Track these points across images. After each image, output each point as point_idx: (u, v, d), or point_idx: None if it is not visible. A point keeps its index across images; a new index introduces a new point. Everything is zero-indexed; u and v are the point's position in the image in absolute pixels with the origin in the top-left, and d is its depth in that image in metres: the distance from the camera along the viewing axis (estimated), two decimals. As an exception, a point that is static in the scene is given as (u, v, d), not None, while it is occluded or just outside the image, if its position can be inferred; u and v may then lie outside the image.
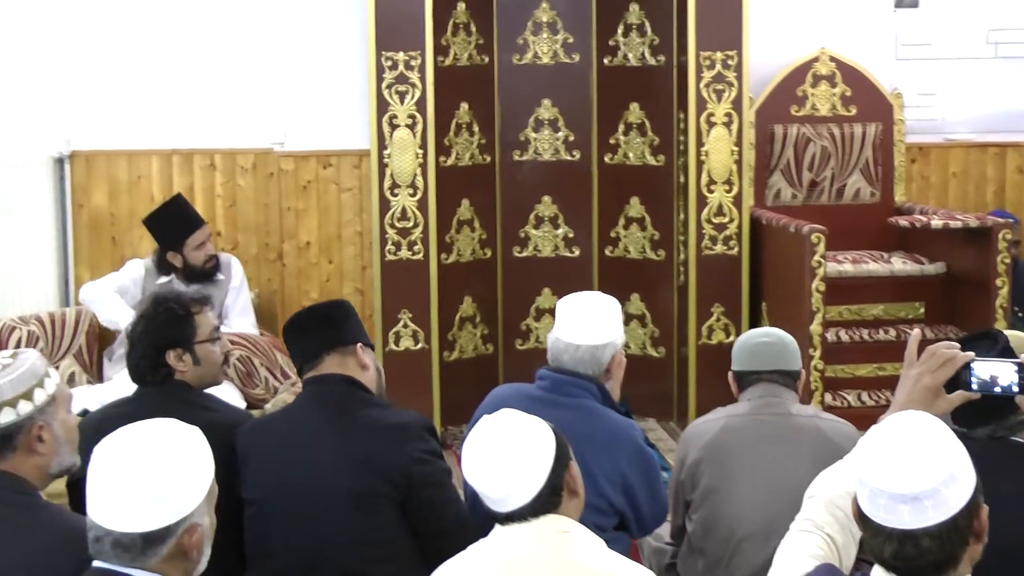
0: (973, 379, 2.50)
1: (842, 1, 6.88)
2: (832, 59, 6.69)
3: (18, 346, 5.87)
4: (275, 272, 6.72)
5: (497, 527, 2.62)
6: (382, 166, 6.07)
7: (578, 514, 2.67)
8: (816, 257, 5.72)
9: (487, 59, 6.58)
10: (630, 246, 6.69)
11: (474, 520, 3.15)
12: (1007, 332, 2.73)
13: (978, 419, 2.62)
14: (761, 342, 3.76)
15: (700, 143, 6.19)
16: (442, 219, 6.24)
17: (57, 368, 4.66)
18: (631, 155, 6.64)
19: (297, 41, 6.61)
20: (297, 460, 3.31)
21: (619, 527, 3.53)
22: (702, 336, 6.26)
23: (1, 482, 2.74)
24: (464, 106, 6.47)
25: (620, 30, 6.59)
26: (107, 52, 6.53)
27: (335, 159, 6.69)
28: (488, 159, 6.63)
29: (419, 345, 6.15)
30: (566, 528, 2.59)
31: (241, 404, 5.28)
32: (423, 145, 6.07)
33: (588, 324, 3.61)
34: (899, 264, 6.37)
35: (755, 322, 6.19)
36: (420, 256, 6.11)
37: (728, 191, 6.23)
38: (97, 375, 5.92)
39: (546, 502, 2.59)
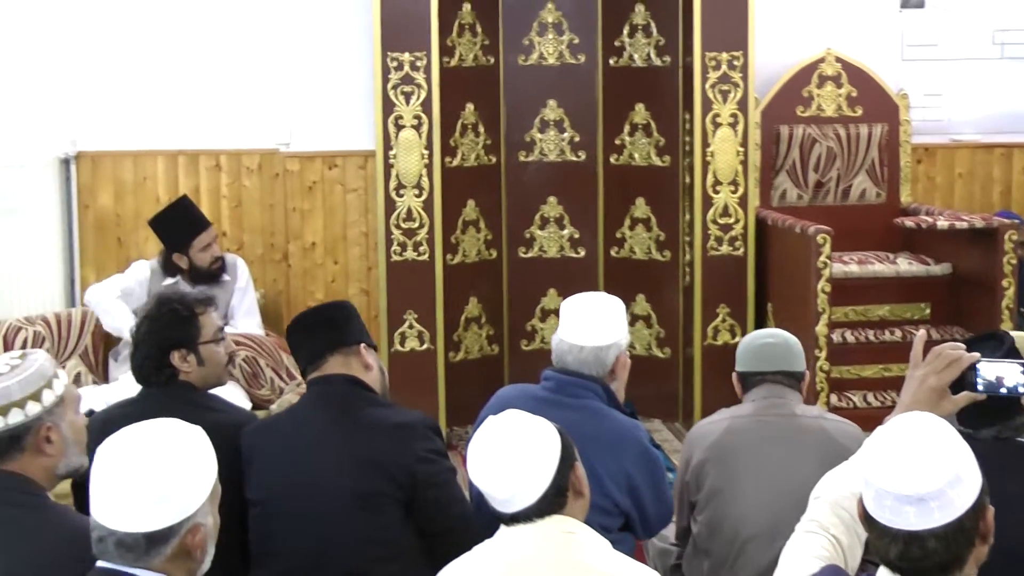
0: (979, 380, 2.50)
1: (848, 2, 6.88)
2: (838, 60, 6.69)
3: (24, 346, 5.86)
4: (280, 273, 6.72)
5: (502, 528, 2.62)
6: (388, 167, 6.07)
7: (583, 515, 2.67)
8: (822, 258, 5.71)
9: (493, 60, 6.58)
10: (636, 247, 6.69)
11: (479, 520, 3.15)
12: (1013, 333, 2.73)
13: (984, 420, 2.62)
14: (765, 343, 3.76)
15: (706, 144, 6.19)
16: (448, 220, 6.24)
17: (64, 368, 4.66)
18: (637, 156, 6.64)
19: (303, 42, 6.62)
20: (302, 460, 3.31)
21: (624, 528, 3.52)
22: (707, 337, 6.26)
23: (9, 483, 2.75)
24: (470, 107, 6.47)
25: (626, 31, 6.59)
26: (113, 53, 6.54)
27: (341, 160, 6.69)
28: (494, 160, 6.63)
29: (424, 346, 6.15)
30: (571, 529, 2.59)
31: (247, 405, 5.28)
32: (429, 146, 6.07)
33: (592, 325, 3.61)
34: (905, 265, 6.36)
35: (761, 323, 6.19)
36: (426, 257, 6.12)
37: (734, 192, 6.23)
38: (103, 376, 5.92)
39: (551, 503, 2.59)
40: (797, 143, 6.64)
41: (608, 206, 6.74)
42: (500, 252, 6.70)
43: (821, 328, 5.73)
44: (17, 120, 6.44)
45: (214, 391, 3.65)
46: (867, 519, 2.12)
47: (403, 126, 6.06)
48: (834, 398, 5.96)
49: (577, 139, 6.72)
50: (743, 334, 5.78)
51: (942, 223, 6.12)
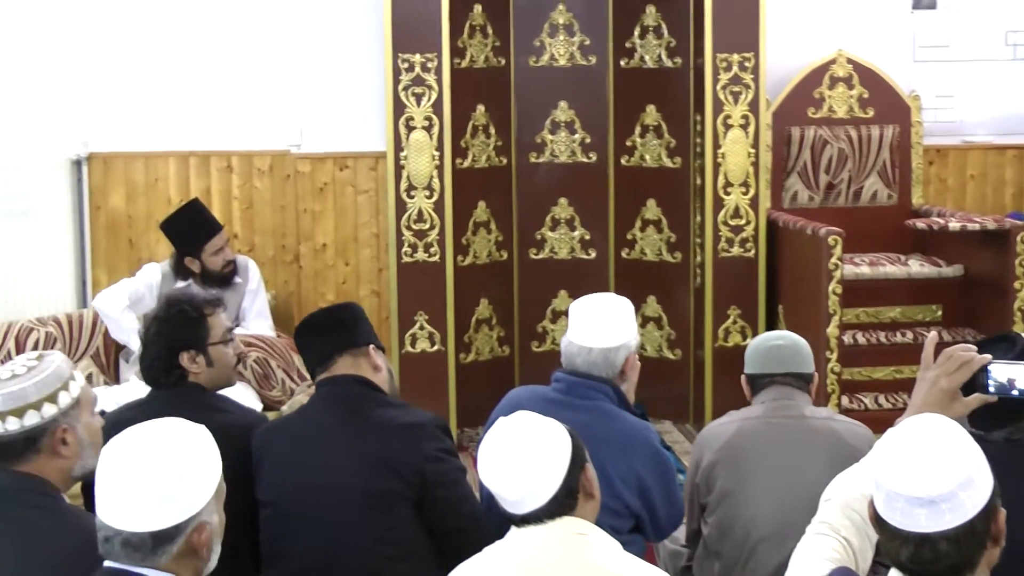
0: (990, 382, 2.50)
1: (859, 3, 6.86)
2: (849, 61, 6.68)
3: (36, 347, 5.88)
4: (291, 274, 6.73)
5: (513, 529, 2.62)
6: (399, 168, 6.07)
7: (594, 516, 2.67)
8: (833, 259, 5.70)
9: (504, 61, 6.58)
10: (646, 248, 6.68)
11: (490, 521, 3.15)
12: (1025, 335, 2.73)
13: (995, 422, 2.61)
14: (774, 345, 3.75)
15: (717, 145, 6.18)
16: (458, 221, 6.25)
17: (80, 370, 4.67)
18: (648, 157, 6.64)
19: (313, 43, 6.62)
20: (312, 461, 3.31)
21: (635, 530, 3.52)
22: (718, 338, 6.25)
23: (25, 484, 2.76)
24: (480, 108, 6.47)
25: (637, 32, 6.59)
26: (124, 54, 6.56)
27: (352, 161, 6.70)
28: (504, 161, 6.63)
29: (435, 347, 6.15)
30: (582, 530, 2.59)
31: (258, 406, 5.29)
32: (439, 147, 6.07)
33: (600, 327, 3.61)
34: (916, 266, 6.35)
35: (771, 324, 6.18)
36: (436, 258, 6.12)
37: (745, 193, 6.22)
38: (114, 376, 5.94)
39: (562, 504, 2.59)
40: (808, 145, 6.63)
41: (619, 207, 6.74)
42: (511, 253, 6.70)
43: (832, 330, 5.72)
44: (29, 121, 6.47)
45: (223, 392, 3.65)
46: (878, 521, 2.11)
47: (414, 127, 6.06)
48: (845, 400, 5.95)
49: (588, 140, 6.72)
50: (754, 336, 5.75)
51: (954, 225, 6.11)
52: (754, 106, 6.20)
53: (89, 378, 5.68)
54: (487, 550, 2.64)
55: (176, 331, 3.52)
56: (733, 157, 6.20)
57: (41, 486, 2.76)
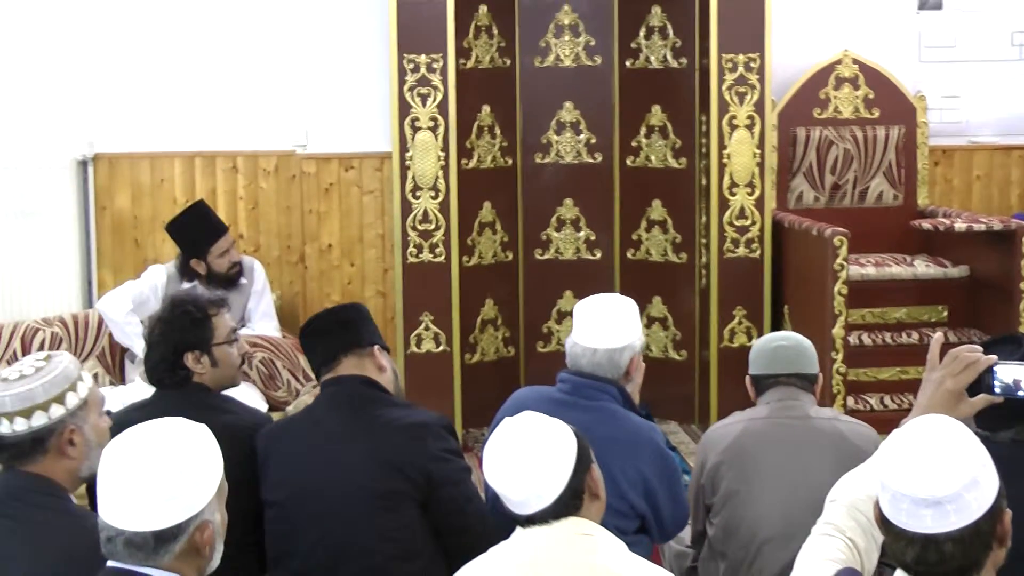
0: (996, 383, 2.50)
1: (865, 3, 6.86)
2: (855, 61, 6.68)
3: (42, 347, 5.89)
4: (297, 274, 6.73)
5: (518, 530, 2.62)
6: (404, 168, 6.07)
7: (599, 517, 2.67)
8: (838, 260, 5.70)
9: (509, 62, 6.58)
10: (652, 249, 6.68)
11: (495, 522, 3.15)
12: (1030, 336, 2.72)
13: (1002, 422, 2.61)
14: (778, 346, 3.75)
15: (722, 146, 6.18)
16: (464, 222, 6.25)
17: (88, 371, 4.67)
18: (653, 158, 6.63)
19: (319, 44, 6.63)
20: (317, 461, 3.31)
21: (640, 530, 3.52)
22: (724, 339, 6.25)
23: (32, 484, 2.77)
24: (486, 108, 6.47)
25: (642, 32, 6.59)
26: (130, 55, 6.56)
27: (357, 161, 6.70)
28: (510, 162, 6.63)
29: (440, 347, 6.15)
30: (588, 531, 2.59)
31: (263, 406, 5.29)
32: (445, 148, 6.07)
33: (605, 328, 3.60)
34: (922, 267, 6.34)
35: (777, 325, 6.18)
36: (442, 258, 6.12)
37: (750, 194, 6.22)
38: (119, 376, 5.94)
39: (567, 505, 2.59)
40: (814, 145, 6.63)
41: (624, 208, 6.73)
42: (516, 254, 6.70)
43: (838, 330, 5.72)
44: (34, 122, 6.48)
45: (228, 392, 3.66)
46: (883, 522, 2.11)
47: (419, 128, 6.06)
48: (851, 400, 5.94)
49: (593, 141, 6.72)
50: (759, 336, 5.74)
51: (960, 225, 6.10)
52: (759, 107, 6.19)
53: (95, 378, 5.66)
54: (492, 550, 2.64)
55: (180, 332, 3.53)
56: (738, 157, 6.19)
57: (48, 486, 2.77)
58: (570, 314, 3.73)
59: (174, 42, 6.58)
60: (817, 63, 6.69)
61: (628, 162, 6.69)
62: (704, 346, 6.43)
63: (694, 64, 6.44)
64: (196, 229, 5.82)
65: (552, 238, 6.76)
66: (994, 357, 2.51)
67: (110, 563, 2.29)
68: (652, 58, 6.59)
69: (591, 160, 6.73)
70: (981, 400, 2.51)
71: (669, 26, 6.52)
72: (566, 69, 6.69)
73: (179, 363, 3.52)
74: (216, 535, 2.33)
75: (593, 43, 6.68)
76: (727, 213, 6.22)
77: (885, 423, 3.22)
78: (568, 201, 6.74)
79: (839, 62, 6.68)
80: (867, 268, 6.24)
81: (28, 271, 6.40)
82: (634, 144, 6.66)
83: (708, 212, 6.28)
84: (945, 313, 6.38)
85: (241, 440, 3.39)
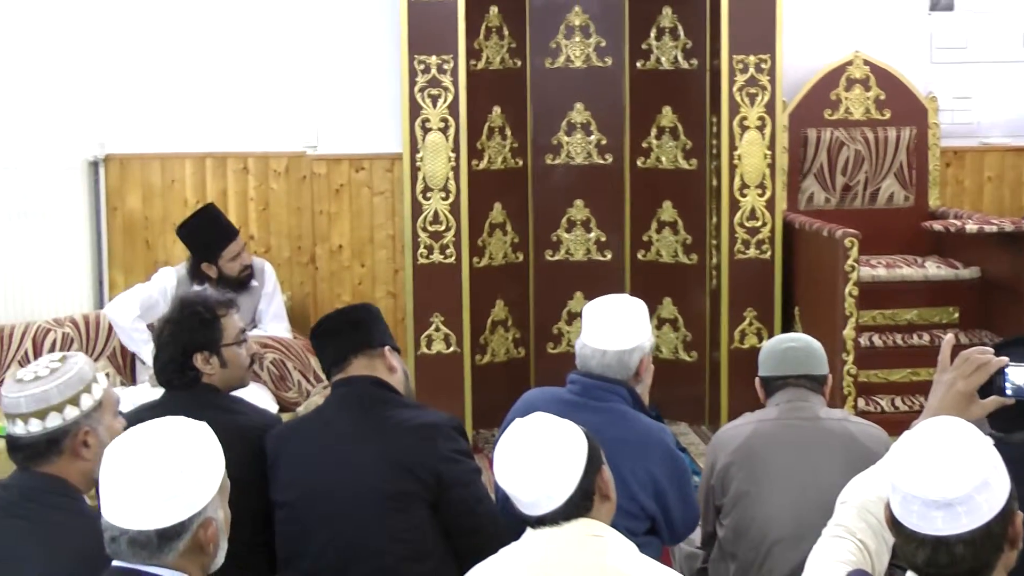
0: (1007, 384, 2.49)
1: (876, 4, 6.85)
2: (866, 62, 6.67)
3: (53, 348, 5.90)
4: (307, 275, 6.74)
5: (528, 531, 2.62)
6: (414, 170, 6.07)
7: (610, 518, 2.67)
8: (849, 261, 5.69)
9: (520, 63, 6.59)
10: (662, 250, 6.68)
11: (505, 522, 3.15)
12: (1042, 337, 2.72)
13: (1014, 424, 2.60)
14: (788, 347, 3.75)
15: (733, 147, 6.18)
16: (474, 223, 6.25)
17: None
18: (664, 159, 6.63)
19: (330, 45, 6.63)
20: (327, 461, 3.32)
21: (650, 532, 3.52)
22: (734, 340, 6.24)
23: (47, 485, 2.77)
24: (496, 110, 6.47)
25: (653, 33, 6.58)
26: (141, 56, 6.57)
27: (367, 163, 6.70)
28: (520, 163, 6.63)
29: (451, 349, 6.15)
30: (598, 532, 2.59)
31: (274, 407, 5.30)
32: (455, 149, 6.07)
33: (614, 329, 3.60)
34: (933, 269, 6.33)
35: (788, 326, 6.17)
36: (452, 260, 6.12)
37: (761, 195, 6.21)
38: (130, 377, 5.95)
39: (578, 506, 2.59)
40: (825, 146, 6.62)
41: (635, 209, 6.73)
42: (527, 255, 6.70)
43: (848, 332, 5.71)
44: (46, 123, 6.49)
45: (237, 393, 3.66)
46: (894, 524, 2.11)
47: (430, 129, 6.06)
48: (861, 402, 5.93)
49: (604, 142, 6.72)
50: (770, 337, 5.73)
51: (971, 227, 6.09)
52: (770, 108, 6.19)
53: (106, 378, 5.69)
54: (502, 551, 2.65)
55: (190, 333, 3.54)
56: (749, 159, 6.19)
57: (63, 487, 2.78)
58: (580, 315, 3.73)
59: (185, 43, 6.59)
60: (828, 64, 6.68)
61: (639, 163, 6.69)
62: (714, 347, 6.42)
63: (705, 65, 6.44)
64: (207, 233, 5.80)
65: (563, 239, 6.76)
66: (1005, 359, 2.51)
67: (115, 563, 2.29)
68: (663, 59, 6.58)
69: (602, 161, 6.73)
70: (992, 402, 2.50)
71: (680, 27, 6.51)
72: (577, 70, 6.69)
73: (188, 364, 3.52)
74: (220, 532, 2.33)
75: (604, 44, 6.68)
76: (738, 214, 6.21)
77: (896, 425, 3.21)
78: (579, 202, 6.74)
79: (850, 63, 6.67)
80: (878, 269, 6.23)
81: (39, 272, 6.41)
82: (645, 145, 6.66)
83: (719, 213, 6.28)
84: (956, 315, 6.37)
85: (250, 441, 3.40)
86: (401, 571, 3.23)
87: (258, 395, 5.16)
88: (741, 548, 3.59)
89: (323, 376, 5.50)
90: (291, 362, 5.69)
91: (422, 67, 6.03)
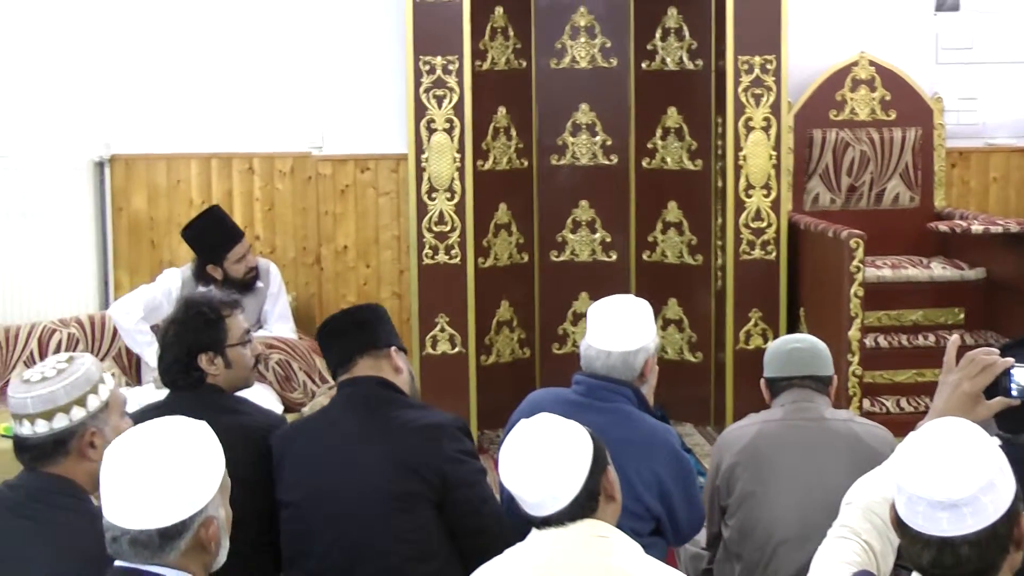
0: (1013, 385, 2.49)
1: (882, 5, 6.84)
2: (872, 63, 6.66)
3: (59, 348, 5.91)
4: (313, 276, 6.74)
5: (534, 531, 2.62)
6: (420, 170, 6.08)
7: (615, 519, 2.66)
8: (855, 262, 5.69)
9: (525, 63, 6.58)
10: (667, 251, 6.67)
11: (511, 523, 3.15)
12: (1048, 338, 2.72)
13: (1021, 425, 2.59)
14: (793, 348, 3.75)
15: (738, 148, 6.18)
16: (479, 223, 6.25)
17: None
18: (669, 159, 6.63)
19: (335, 45, 6.63)
20: (333, 462, 3.32)
21: (655, 532, 3.52)
22: (740, 341, 6.24)
23: (53, 486, 2.77)
24: (502, 110, 6.47)
25: (658, 34, 6.58)
26: (147, 57, 6.58)
27: (373, 163, 6.70)
28: (525, 163, 6.63)
29: (456, 349, 6.15)
30: (603, 533, 2.59)
31: (279, 407, 5.30)
32: (461, 149, 6.07)
33: (619, 330, 3.60)
34: (939, 269, 6.33)
35: (793, 327, 6.17)
36: (457, 260, 6.12)
37: (766, 196, 6.21)
38: (135, 378, 5.95)
39: (583, 507, 2.59)
40: (830, 147, 6.61)
41: (640, 210, 6.73)
42: (532, 256, 6.70)
43: (854, 333, 5.70)
44: (51, 123, 6.49)
45: (242, 394, 3.66)
46: (899, 525, 2.11)
47: (435, 130, 6.06)
48: (867, 403, 5.93)
49: (609, 143, 6.72)
50: (775, 338, 5.72)
51: (976, 227, 6.08)
52: (776, 108, 6.18)
53: (112, 379, 5.69)
54: (508, 552, 2.65)
55: (194, 333, 3.54)
56: (754, 159, 6.18)
57: (70, 488, 2.78)
58: (585, 316, 3.72)
59: (190, 43, 6.59)
60: (833, 65, 6.67)
61: (644, 164, 6.69)
62: (720, 348, 6.42)
63: (710, 66, 6.44)
64: (212, 235, 5.80)
65: (568, 240, 6.76)
66: (1011, 360, 2.51)
67: (117, 563, 2.29)
68: (668, 60, 6.58)
69: (607, 162, 6.73)
70: (998, 403, 2.50)
71: (685, 28, 6.51)
72: (582, 71, 6.68)
73: (193, 364, 3.53)
74: (221, 530, 2.34)
75: (609, 45, 6.67)
76: (743, 215, 6.21)
77: (901, 426, 3.20)
78: (584, 203, 6.74)
79: (855, 64, 6.66)
80: (883, 270, 6.23)
81: (45, 272, 6.42)
82: (650, 146, 6.66)
83: (724, 214, 6.28)
84: (962, 315, 6.37)
85: (255, 441, 3.40)
86: (406, 571, 3.23)
87: (263, 396, 5.16)
88: (746, 549, 3.59)
89: (328, 377, 5.52)
90: (296, 363, 5.69)
91: (427, 68, 6.03)
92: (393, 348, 3.49)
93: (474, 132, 6.12)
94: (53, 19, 6.48)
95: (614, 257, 6.76)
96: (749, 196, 6.20)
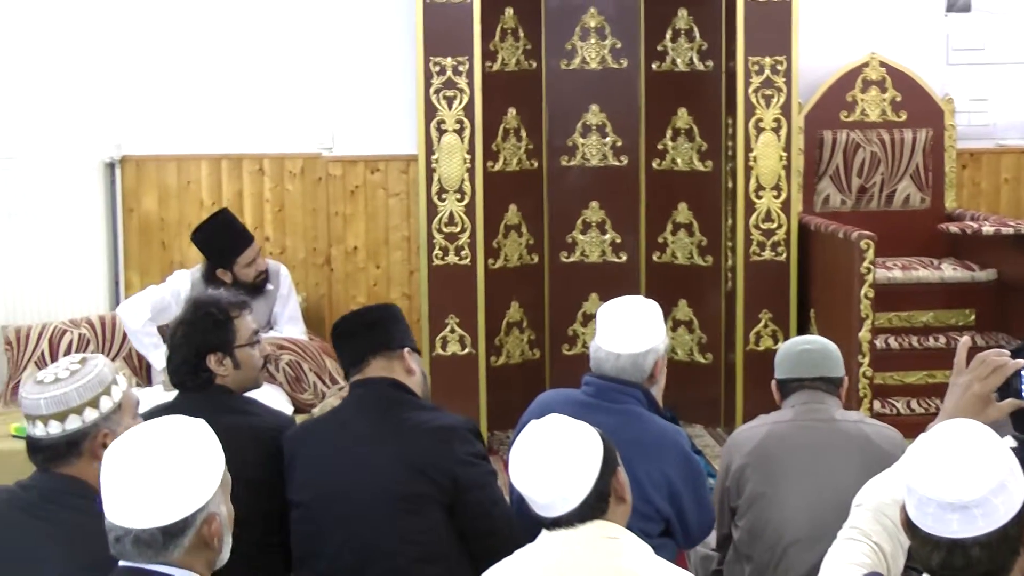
0: (1024, 387, 2.49)
1: (892, 6, 6.83)
2: (882, 64, 6.65)
3: (69, 349, 5.92)
4: (323, 277, 6.75)
5: (544, 532, 2.62)
6: (430, 171, 6.08)
7: (625, 520, 2.67)
8: (865, 263, 5.68)
9: (535, 64, 6.58)
10: (678, 252, 6.67)
11: (521, 525, 3.15)
12: (1059, 340, 2.71)
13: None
14: (804, 349, 3.75)
15: (748, 149, 6.17)
16: (489, 224, 6.25)
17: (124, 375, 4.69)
18: (679, 160, 6.63)
19: (345, 46, 6.64)
20: (344, 463, 3.32)
21: (664, 533, 3.51)
22: (750, 342, 6.24)
23: (65, 486, 2.78)
24: (512, 111, 6.47)
25: (668, 35, 6.58)
26: (157, 58, 6.59)
27: (383, 164, 6.71)
28: (536, 164, 6.63)
29: (466, 350, 6.16)
30: (613, 534, 2.59)
31: (289, 408, 5.30)
32: (471, 150, 6.08)
33: (628, 332, 3.59)
34: (949, 271, 6.32)
35: (803, 328, 6.16)
36: (467, 261, 6.12)
37: (776, 197, 6.21)
38: (146, 378, 5.96)
39: (593, 508, 2.59)
40: (841, 148, 6.61)
41: (650, 211, 6.73)
42: (542, 257, 6.70)
43: (864, 334, 5.69)
44: (62, 124, 6.50)
45: (251, 394, 3.67)
46: (910, 526, 2.11)
47: (445, 130, 6.07)
48: (877, 404, 5.92)
49: (619, 144, 6.71)
50: (785, 340, 5.72)
51: (987, 229, 6.07)
52: (786, 109, 6.18)
53: (125, 380, 5.70)
54: (518, 553, 2.65)
55: (203, 334, 3.54)
56: (765, 160, 6.18)
57: (82, 489, 2.78)
58: (595, 317, 3.72)
59: (201, 45, 6.60)
60: (844, 66, 6.67)
61: (654, 165, 6.69)
62: (730, 349, 6.41)
63: (720, 67, 6.43)
64: (222, 239, 5.78)
65: (578, 241, 6.76)
66: (1022, 361, 2.50)
67: (121, 563, 2.30)
68: (678, 61, 6.58)
69: (617, 163, 6.73)
70: (1009, 404, 2.49)
71: (695, 29, 6.51)
72: (592, 72, 6.68)
73: (201, 365, 3.53)
74: (223, 527, 2.34)
75: (619, 46, 6.67)
76: (753, 216, 6.21)
77: (912, 427, 3.20)
78: (594, 204, 6.74)
79: (866, 64, 6.66)
80: (894, 271, 6.22)
81: (56, 273, 6.42)
82: (660, 147, 6.66)
83: (734, 215, 6.27)
84: (972, 317, 6.36)
85: (264, 442, 3.40)
86: (414, 573, 3.23)
87: (273, 396, 5.16)
88: (756, 550, 3.59)
89: (339, 378, 5.54)
90: (307, 364, 5.70)
91: (437, 69, 6.04)
92: (406, 349, 3.49)
93: (484, 133, 6.13)
94: (64, 20, 6.49)
95: (624, 258, 6.76)
96: (759, 197, 6.20)
